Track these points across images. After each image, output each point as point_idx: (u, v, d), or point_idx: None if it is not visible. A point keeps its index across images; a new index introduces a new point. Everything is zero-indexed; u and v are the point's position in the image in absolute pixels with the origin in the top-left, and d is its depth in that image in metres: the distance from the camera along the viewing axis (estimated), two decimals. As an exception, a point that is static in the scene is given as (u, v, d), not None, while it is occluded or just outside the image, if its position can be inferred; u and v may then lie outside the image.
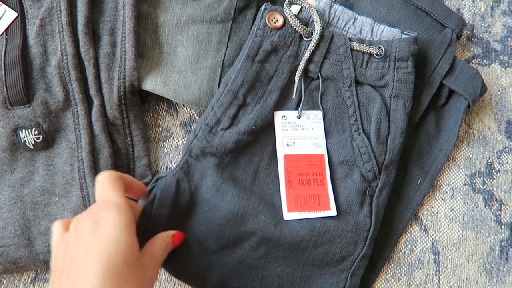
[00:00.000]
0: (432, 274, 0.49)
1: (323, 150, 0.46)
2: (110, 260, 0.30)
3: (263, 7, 0.45)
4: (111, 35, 0.47)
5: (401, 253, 0.50)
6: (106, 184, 0.36)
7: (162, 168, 0.50)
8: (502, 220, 0.51)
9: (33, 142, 0.45)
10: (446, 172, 0.52)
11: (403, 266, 0.49)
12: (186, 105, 0.52)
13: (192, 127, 0.51)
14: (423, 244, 0.50)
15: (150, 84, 0.47)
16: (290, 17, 0.44)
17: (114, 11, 0.48)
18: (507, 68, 0.55)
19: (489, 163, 0.52)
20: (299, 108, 0.46)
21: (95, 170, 0.45)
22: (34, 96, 0.45)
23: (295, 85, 0.45)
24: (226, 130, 0.44)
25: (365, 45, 0.45)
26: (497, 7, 0.56)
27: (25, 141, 0.45)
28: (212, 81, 0.48)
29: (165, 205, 0.42)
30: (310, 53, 0.44)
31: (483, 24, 0.56)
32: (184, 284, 0.47)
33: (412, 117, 0.48)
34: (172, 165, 0.50)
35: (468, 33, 0.56)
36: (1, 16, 0.46)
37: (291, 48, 0.45)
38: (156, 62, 0.48)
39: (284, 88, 0.45)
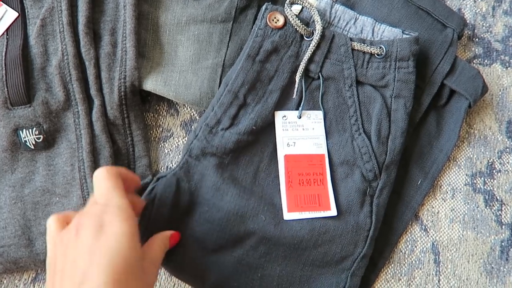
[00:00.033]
0: (432, 274, 0.49)
1: (323, 150, 0.46)
2: (115, 268, 0.30)
3: (264, 7, 0.45)
4: (112, 35, 0.47)
5: (401, 253, 0.50)
6: (106, 182, 0.35)
7: (162, 168, 0.50)
8: (502, 220, 0.51)
9: (33, 142, 0.45)
10: (447, 172, 0.52)
11: (403, 266, 0.49)
12: (186, 105, 0.52)
13: (192, 127, 0.51)
14: (423, 244, 0.50)
15: (151, 84, 0.47)
16: (291, 17, 0.44)
17: (115, 11, 0.48)
18: (508, 68, 0.55)
19: (490, 163, 0.52)
20: (300, 108, 0.46)
21: (96, 170, 0.45)
22: (35, 96, 0.45)
23: (296, 85, 0.45)
24: (226, 130, 0.44)
25: (366, 45, 0.45)
26: (499, 7, 0.56)
27: (25, 141, 0.45)
28: (212, 81, 0.48)
29: (165, 204, 0.42)
30: (311, 53, 0.44)
31: (484, 24, 0.56)
32: (184, 284, 0.47)
33: (413, 117, 0.48)
34: (172, 165, 0.50)
35: (469, 33, 0.56)
36: (2, 16, 0.46)
37: (292, 48, 0.45)
38: (157, 62, 0.48)
39: (284, 88, 0.45)
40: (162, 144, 0.51)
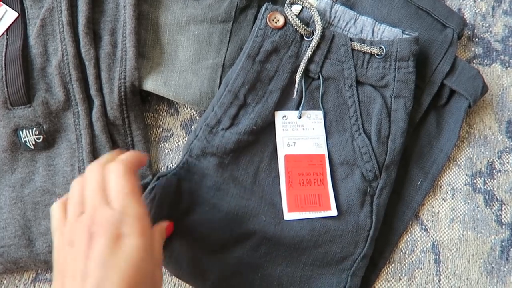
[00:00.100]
0: (433, 274, 0.49)
1: (323, 150, 0.46)
2: (131, 283, 0.29)
3: (264, 7, 0.45)
4: (112, 35, 0.47)
5: (401, 253, 0.50)
6: (123, 183, 0.33)
7: (162, 168, 0.50)
8: (502, 220, 0.51)
9: (33, 142, 0.45)
10: (447, 172, 0.52)
11: (404, 266, 0.49)
12: (186, 105, 0.52)
13: (192, 127, 0.51)
14: (423, 244, 0.50)
15: (151, 84, 0.47)
16: (291, 17, 0.44)
17: (115, 11, 0.48)
18: (508, 68, 0.55)
19: (489, 163, 0.52)
20: (300, 108, 0.46)
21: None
22: (35, 96, 0.45)
23: (296, 85, 0.45)
24: (226, 130, 0.44)
25: (366, 45, 0.45)
26: (498, 7, 0.56)
27: (25, 141, 0.45)
28: (212, 81, 0.48)
29: (165, 204, 0.42)
30: (311, 53, 0.44)
31: (484, 24, 0.56)
32: (184, 284, 0.47)
33: (413, 117, 0.48)
34: (172, 165, 0.50)
35: (469, 33, 0.56)
36: (2, 16, 0.46)
37: (292, 48, 0.45)
38: (157, 62, 0.48)
39: (284, 88, 0.45)
40: (162, 144, 0.51)
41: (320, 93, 0.46)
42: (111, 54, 0.47)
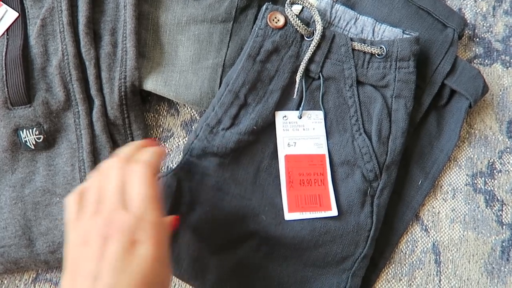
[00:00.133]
0: (433, 274, 0.49)
1: (324, 150, 0.46)
2: None
3: (264, 7, 0.45)
4: (112, 35, 0.47)
5: (402, 253, 0.50)
6: (145, 187, 0.32)
7: (163, 168, 0.50)
8: (503, 221, 0.51)
9: (34, 142, 0.45)
10: (447, 172, 0.52)
11: (404, 267, 0.49)
12: (187, 105, 0.52)
13: (193, 127, 0.51)
14: (424, 244, 0.50)
15: (151, 84, 0.47)
16: (292, 17, 0.44)
17: (115, 11, 0.48)
18: (509, 68, 0.55)
19: (490, 163, 0.52)
20: (300, 108, 0.46)
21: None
22: (35, 96, 0.45)
23: (296, 85, 0.45)
24: (227, 130, 0.44)
25: (366, 45, 0.45)
26: (499, 7, 0.56)
27: (26, 141, 0.45)
28: (213, 81, 0.48)
29: (166, 204, 0.42)
30: (311, 53, 0.44)
31: (484, 24, 0.56)
32: (185, 284, 0.47)
33: (413, 117, 0.48)
34: (173, 165, 0.50)
35: (469, 33, 0.55)
36: (2, 16, 0.46)
37: (292, 48, 0.45)
38: (157, 62, 0.48)
39: (285, 88, 0.45)
40: (163, 144, 0.51)
41: (321, 93, 0.46)
42: (111, 54, 0.47)
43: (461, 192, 0.51)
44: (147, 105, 0.51)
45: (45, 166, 0.45)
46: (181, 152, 0.50)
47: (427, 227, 0.50)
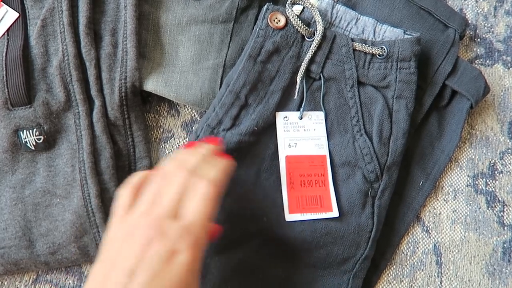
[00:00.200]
0: (434, 275, 0.49)
1: (325, 151, 0.46)
2: None
3: (265, 7, 0.45)
4: (113, 35, 0.47)
5: (403, 254, 0.49)
6: (207, 209, 0.33)
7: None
8: (504, 222, 0.50)
9: (34, 143, 0.45)
10: (449, 173, 0.52)
11: (405, 268, 0.49)
12: (187, 106, 0.51)
13: (193, 127, 0.51)
14: (425, 245, 0.50)
15: (152, 85, 0.47)
16: (292, 17, 0.44)
17: (115, 11, 0.47)
18: (510, 69, 0.54)
19: (491, 164, 0.52)
20: (301, 109, 0.46)
21: (96, 171, 0.45)
22: (35, 97, 0.45)
23: (297, 86, 0.45)
24: (227, 131, 0.44)
25: (367, 45, 0.45)
26: (500, 7, 0.56)
27: (26, 142, 0.44)
28: (213, 81, 0.47)
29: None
30: (312, 53, 0.44)
31: (486, 24, 0.56)
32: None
33: (414, 117, 0.48)
34: (173, 166, 0.50)
35: (471, 33, 0.55)
36: (3, 17, 0.46)
37: (293, 48, 0.45)
38: (158, 63, 0.48)
39: (286, 89, 0.45)
40: (163, 145, 0.51)
41: (321, 93, 0.46)
42: (112, 55, 0.46)
43: (462, 193, 0.51)
44: (147, 106, 0.51)
45: (45, 167, 0.45)
46: (182, 153, 0.50)
47: (428, 228, 0.50)
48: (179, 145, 0.51)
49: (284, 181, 0.44)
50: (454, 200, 0.51)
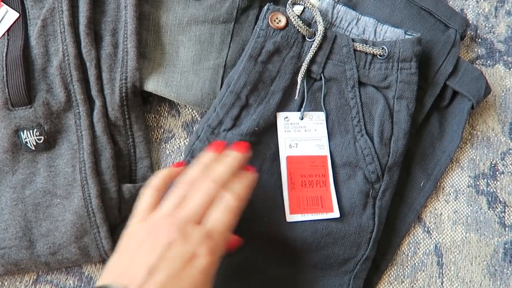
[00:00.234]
0: (436, 276, 0.49)
1: (326, 152, 0.46)
2: None
3: (265, 7, 0.44)
4: (113, 35, 0.47)
5: (404, 255, 0.49)
6: (229, 220, 0.35)
7: (164, 169, 0.50)
8: (506, 222, 0.50)
9: (34, 143, 0.44)
10: (450, 173, 0.52)
11: (406, 269, 0.49)
12: (188, 106, 0.51)
13: (194, 128, 0.51)
14: (426, 246, 0.50)
15: (152, 85, 0.47)
16: (293, 17, 0.44)
17: (116, 11, 0.47)
18: (511, 69, 0.54)
19: (492, 165, 0.52)
20: (302, 109, 0.46)
21: (97, 171, 0.44)
22: (36, 97, 0.45)
23: (298, 86, 0.45)
24: (228, 131, 0.44)
25: (368, 45, 0.45)
26: (501, 8, 0.56)
27: (26, 142, 0.44)
28: (214, 82, 0.47)
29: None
30: (313, 53, 0.44)
31: (487, 25, 0.56)
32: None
33: (415, 118, 0.48)
34: (174, 166, 0.50)
35: (472, 33, 0.55)
36: (3, 17, 0.46)
37: (293, 48, 0.45)
38: (158, 63, 0.48)
39: (286, 89, 0.45)
40: (164, 145, 0.51)
41: (322, 94, 0.46)
42: (112, 55, 0.46)
43: (463, 194, 0.51)
44: (148, 106, 0.51)
45: (46, 167, 0.45)
46: (182, 154, 0.50)
47: (429, 229, 0.50)
48: (179, 146, 0.51)
49: (285, 182, 0.44)
50: (455, 200, 0.51)
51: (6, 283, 0.46)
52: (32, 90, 0.45)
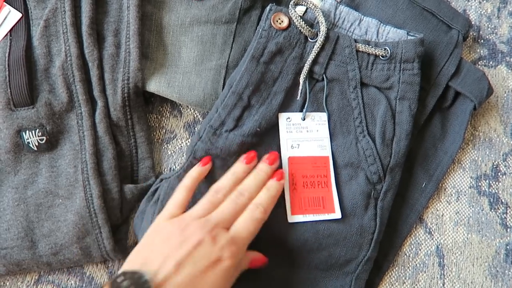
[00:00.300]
0: (437, 277, 0.49)
1: (327, 152, 0.46)
2: None
3: (268, 8, 0.44)
4: (116, 36, 0.47)
5: (405, 256, 0.49)
6: (254, 229, 0.38)
7: (165, 169, 0.50)
8: (507, 223, 0.50)
9: (36, 144, 0.44)
10: (451, 174, 0.51)
11: (408, 270, 0.49)
12: (190, 107, 0.51)
13: (196, 128, 0.51)
14: (428, 247, 0.50)
15: (154, 86, 0.47)
16: (295, 18, 0.44)
17: (118, 12, 0.47)
18: (514, 70, 0.54)
19: (494, 166, 0.52)
20: (304, 110, 0.45)
21: (99, 172, 0.44)
22: (38, 98, 0.45)
23: (300, 87, 0.45)
24: (230, 131, 0.44)
25: (370, 46, 0.45)
26: (504, 8, 0.56)
27: (28, 142, 0.44)
28: (216, 82, 0.47)
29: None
30: (315, 54, 0.44)
31: (489, 25, 0.55)
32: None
33: (417, 119, 0.48)
34: (175, 166, 0.50)
35: (474, 34, 0.55)
36: (6, 17, 0.46)
37: (296, 49, 0.45)
38: (160, 63, 0.48)
39: (289, 90, 0.45)
40: (166, 146, 0.51)
41: (324, 94, 0.46)
42: (114, 55, 0.46)
43: (465, 195, 0.51)
44: (150, 107, 0.51)
45: (48, 168, 0.45)
46: (184, 154, 0.50)
47: (431, 230, 0.50)
48: (181, 146, 0.51)
49: (287, 182, 0.44)
50: (457, 201, 0.51)
51: (8, 283, 0.47)
52: (34, 90, 0.45)
